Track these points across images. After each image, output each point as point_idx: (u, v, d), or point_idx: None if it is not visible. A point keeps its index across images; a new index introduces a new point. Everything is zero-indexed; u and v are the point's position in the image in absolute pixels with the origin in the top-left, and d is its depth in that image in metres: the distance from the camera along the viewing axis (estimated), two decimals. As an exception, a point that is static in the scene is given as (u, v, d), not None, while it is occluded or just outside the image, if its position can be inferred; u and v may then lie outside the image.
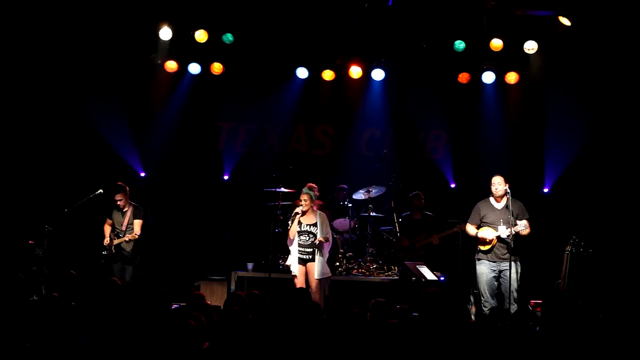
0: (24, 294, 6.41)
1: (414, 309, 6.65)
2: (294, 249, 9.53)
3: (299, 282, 9.40)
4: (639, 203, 11.46)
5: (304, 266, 9.48)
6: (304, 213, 9.47)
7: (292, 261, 9.51)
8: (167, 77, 12.13)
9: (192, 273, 11.57)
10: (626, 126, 11.67)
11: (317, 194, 9.69)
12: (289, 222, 9.58)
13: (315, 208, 9.64)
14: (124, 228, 10.06)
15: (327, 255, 9.65)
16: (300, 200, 9.54)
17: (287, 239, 9.68)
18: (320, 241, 9.39)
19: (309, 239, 9.48)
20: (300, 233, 9.48)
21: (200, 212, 12.44)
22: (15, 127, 11.58)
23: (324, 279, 9.49)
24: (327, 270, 9.58)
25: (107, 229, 10.17)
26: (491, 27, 11.23)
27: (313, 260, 9.44)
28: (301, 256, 9.47)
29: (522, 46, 11.40)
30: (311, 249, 9.45)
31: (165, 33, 11.40)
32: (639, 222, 11.35)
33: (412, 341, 4.99)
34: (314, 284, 9.39)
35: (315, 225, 9.49)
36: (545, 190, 12.11)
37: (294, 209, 9.69)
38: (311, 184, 9.59)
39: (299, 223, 9.47)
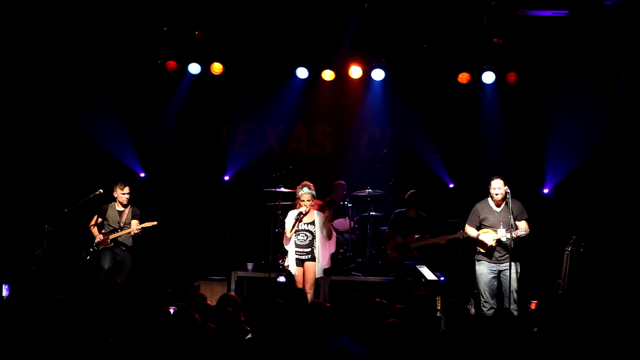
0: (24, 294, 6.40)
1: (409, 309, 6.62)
2: (291, 248, 9.29)
3: (298, 282, 9.26)
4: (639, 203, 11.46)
5: (301, 267, 9.24)
6: (306, 213, 9.26)
7: (291, 262, 9.28)
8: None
9: (192, 273, 11.57)
10: (626, 125, 11.66)
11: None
12: (286, 221, 9.32)
13: (314, 207, 9.55)
14: (122, 224, 10.06)
15: (329, 254, 9.47)
16: (303, 201, 9.23)
17: (284, 239, 9.41)
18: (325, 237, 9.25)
19: (307, 238, 9.23)
20: (297, 232, 9.22)
21: (200, 212, 12.45)
22: (16, 127, 11.57)
23: (323, 279, 9.40)
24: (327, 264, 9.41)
25: (95, 230, 10.16)
26: (491, 27, 11.23)
27: (311, 260, 9.22)
28: (299, 257, 9.23)
29: (522, 46, 11.42)
30: (309, 249, 9.21)
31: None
32: (639, 222, 11.34)
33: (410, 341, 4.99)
34: (309, 284, 9.19)
35: (313, 224, 9.26)
36: (546, 190, 12.10)
37: (291, 209, 9.62)
38: (308, 182, 9.34)
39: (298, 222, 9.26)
